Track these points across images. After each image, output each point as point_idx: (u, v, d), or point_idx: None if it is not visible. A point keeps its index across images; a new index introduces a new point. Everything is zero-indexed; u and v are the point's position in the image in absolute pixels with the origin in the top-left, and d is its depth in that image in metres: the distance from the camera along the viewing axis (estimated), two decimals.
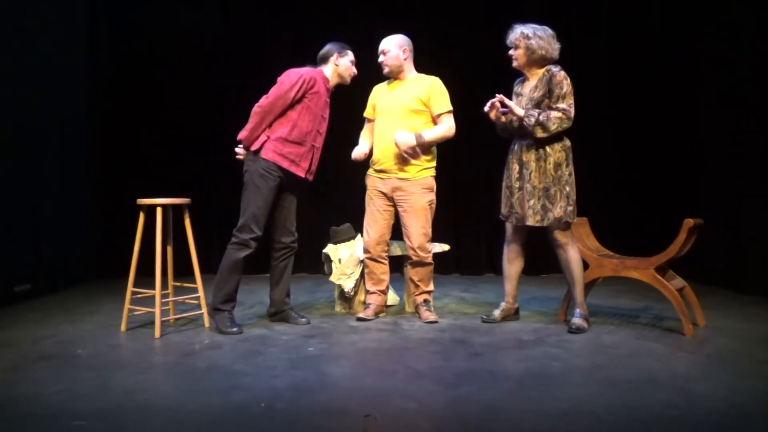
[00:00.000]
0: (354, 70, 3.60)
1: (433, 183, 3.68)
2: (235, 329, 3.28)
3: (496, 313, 3.62)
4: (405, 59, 3.67)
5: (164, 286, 3.45)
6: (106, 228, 5.53)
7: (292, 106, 3.37)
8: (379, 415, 2.07)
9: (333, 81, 3.56)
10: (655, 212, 5.50)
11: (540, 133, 3.27)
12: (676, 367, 2.65)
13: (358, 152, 3.76)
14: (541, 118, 3.25)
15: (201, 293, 3.50)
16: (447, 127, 3.63)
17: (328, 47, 3.56)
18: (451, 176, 5.58)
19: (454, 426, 2.01)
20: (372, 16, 5.55)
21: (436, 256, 3.83)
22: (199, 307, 3.58)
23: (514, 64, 3.44)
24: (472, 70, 5.58)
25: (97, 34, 5.52)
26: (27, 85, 4.45)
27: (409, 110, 3.61)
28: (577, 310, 3.38)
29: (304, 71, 3.41)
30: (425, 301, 3.71)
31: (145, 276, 3.53)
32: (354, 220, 4.22)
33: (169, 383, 2.45)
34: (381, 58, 3.68)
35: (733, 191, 4.82)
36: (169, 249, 3.58)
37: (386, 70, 3.69)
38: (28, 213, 4.46)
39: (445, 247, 4.09)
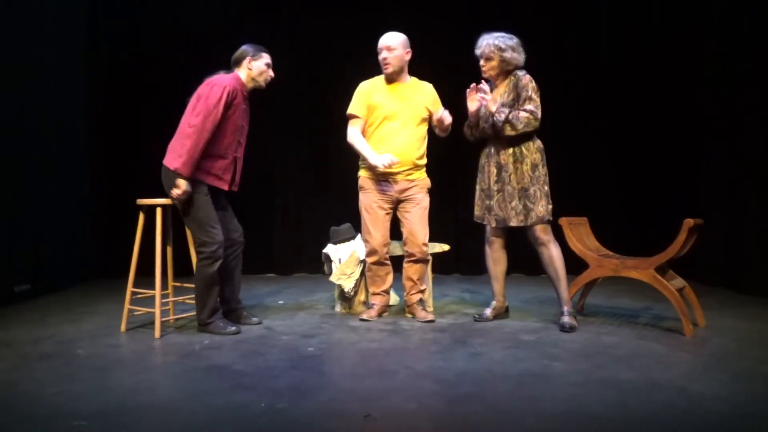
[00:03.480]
0: (270, 73, 3.41)
1: (429, 183, 3.75)
2: (232, 329, 3.28)
3: (488, 312, 3.65)
4: (407, 61, 3.64)
5: (164, 286, 3.45)
6: (106, 228, 5.53)
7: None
8: (379, 415, 2.07)
9: (248, 86, 3.38)
10: (655, 212, 5.50)
11: (508, 131, 3.36)
12: (676, 367, 2.65)
13: (389, 159, 3.46)
14: (510, 116, 3.34)
15: None
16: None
17: (242, 49, 3.37)
18: (451, 176, 5.58)
19: (454, 426, 2.01)
20: (372, 13, 5.54)
21: (436, 256, 3.84)
22: None
23: (485, 75, 3.51)
24: (468, 68, 5.57)
25: (97, 34, 5.52)
26: (27, 85, 4.45)
27: (420, 118, 3.63)
28: (565, 308, 3.42)
29: (227, 82, 3.21)
30: (421, 300, 3.75)
31: (145, 276, 3.53)
32: (354, 220, 4.22)
33: (169, 383, 2.45)
34: (385, 55, 3.56)
35: (733, 191, 4.82)
36: (169, 249, 3.58)
37: (389, 69, 3.58)
38: (29, 213, 4.46)
39: (445, 247, 4.08)
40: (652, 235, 4.72)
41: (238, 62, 3.39)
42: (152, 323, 3.31)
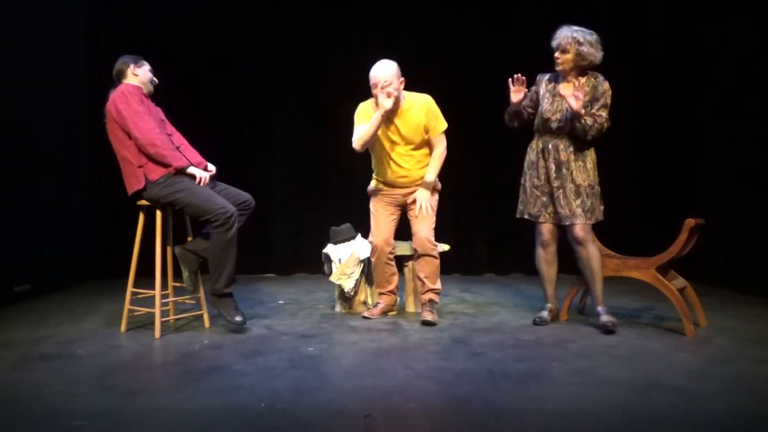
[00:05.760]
0: (154, 77, 3.48)
1: (439, 185, 3.75)
2: (239, 319, 3.26)
3: (545, 314, 3.57)
4: (402, 87, 3.50)
5: (164, 286, 3.45)
6: (106, 228, 5.53)
7: None
8: (379, 415, 2.07)
9: (144, 90, 3.42)
10: (655, 212, 5.49)
11: (580, 133, 3.30)
12: (677, 367, 2.65)
13: (385, 96, 3.33)
14: (588, 121, 3.27)
15: (201, 294, 3.50)
16: (441, 152, 3.61)
17: (120, 62, 3.41)
18: (451, 176, 5.58)
19: (454, 426, 2.01)
20: (377, 13, 5.53)
21: None
22: (198, 307, 3.58)
23: (559, 68, 3.40)
24: (471, 68, 5.58)
25: (97, 34, 5.52)
26: (27, 85, 4.45)
27: (419, 141, 3.56)
28: (600, 308, 3.36)
29: (121, 90, 3.28)
30: (431, 300, 3.67)
31: (145, 276, 3.53)
32: (354, 220, 4.22)
33: (169, 383, 2.46)
34: (381, 91, 3.36)
35: (734, 191, 4.81)
36: (169, 249, 3.58)
37: (392, 105, 3.36)
38: (28, 213, 4.46)
39: (445, 247, 4.08)
40: (653, 235, 4.72)
41: (122, 73, 3.40)
42: (152, 323, 3.31)
